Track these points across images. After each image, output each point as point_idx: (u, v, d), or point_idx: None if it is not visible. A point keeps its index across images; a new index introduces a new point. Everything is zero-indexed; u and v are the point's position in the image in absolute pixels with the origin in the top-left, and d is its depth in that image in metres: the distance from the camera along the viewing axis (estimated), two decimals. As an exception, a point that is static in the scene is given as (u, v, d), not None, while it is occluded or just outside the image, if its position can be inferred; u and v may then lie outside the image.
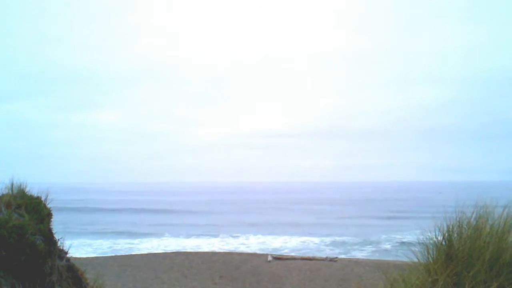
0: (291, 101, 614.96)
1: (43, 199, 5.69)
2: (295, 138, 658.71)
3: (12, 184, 5.66)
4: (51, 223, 5.67)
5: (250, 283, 18.87)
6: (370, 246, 34.69)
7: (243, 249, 32.82)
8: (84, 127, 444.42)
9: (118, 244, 35.91)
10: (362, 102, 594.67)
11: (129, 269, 21.01)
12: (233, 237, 40.10)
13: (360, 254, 30.94)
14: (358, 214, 64.37)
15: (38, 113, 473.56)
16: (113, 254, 28.17)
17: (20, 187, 5.66)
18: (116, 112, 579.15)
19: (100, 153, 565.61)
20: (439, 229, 4.48)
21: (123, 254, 28.30)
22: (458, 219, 4.46)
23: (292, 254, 28.43)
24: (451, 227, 4.44)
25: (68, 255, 5.90)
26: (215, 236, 40.83)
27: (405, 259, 4.89)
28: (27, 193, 5.63)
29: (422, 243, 4.63)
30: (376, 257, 28.49)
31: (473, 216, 4.47)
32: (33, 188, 5.74)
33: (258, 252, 29.39)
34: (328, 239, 37.73)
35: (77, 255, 18.29)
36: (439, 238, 4.47)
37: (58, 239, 5.74)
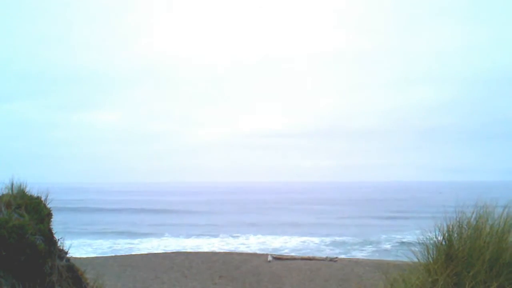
0: (291, 101, 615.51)
1: (43, 199, 5.69)
2: (295, 138, 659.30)
3: (12, 184, 5.66)
4: (51, 223, 5.67)
5: (250, 283, 18.87)
6: (370, 246, 34.69)
7: (243, 249, 32.81)
8: (84, 127, 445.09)
9: (118, 244, 35.92)
10: (362, 102, 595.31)
11: (129, 269, 21.02)
12: (233, 237, 40.10)
13: (360, 254, 30.94)
14: (358, 214, 64.37)
15: (38, 113, 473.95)
16: (113, 254, 28.17)
17: (20, 187, 5.66)
18: (116, 112, 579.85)
19: (100, 153, 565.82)
20: (439, 229, 4.48)
21: (123, 254, 28.30)
22: (458, 219, 4.47)
23: (292, 254, 28.43)
24: (451, 227, 4.44)
25: (68, 255, 5.90)
26: (215, 236, 40.83)
27: (405, 259, 4.89)
28: (27, 193, 5.63)
29: (422, 243, 4.63)
30: (376, 257, 28.48)
31: (473, 216, 4.47)
32: (33, 188, 5.75)
33: (258, 252, 29.39)
34: (328, 239, 37.73)
35: (77, 255, 18.30)
36: (439, 238, 4.47)
37: (58, 239, 5.74)
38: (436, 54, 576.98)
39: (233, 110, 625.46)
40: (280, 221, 55.57)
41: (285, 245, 35.08)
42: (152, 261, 23.12)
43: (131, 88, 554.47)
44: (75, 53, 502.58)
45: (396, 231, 43.12)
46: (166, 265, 22.10)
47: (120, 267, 21.49)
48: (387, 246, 34.65)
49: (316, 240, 37.67)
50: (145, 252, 28.83)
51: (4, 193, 5.54)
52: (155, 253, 27.19)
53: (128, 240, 37.97)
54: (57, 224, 5.85)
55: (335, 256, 26.00)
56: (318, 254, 27.87)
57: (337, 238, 38.37)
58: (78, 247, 30.10)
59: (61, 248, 5.77)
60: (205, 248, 32.44)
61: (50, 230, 5.55)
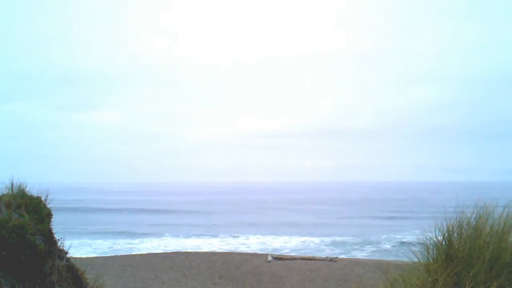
0: (291, 101, 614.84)
1: (43, 199, 5.69)
2: (295, 138, 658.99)
3: (12, 184, 5.66)
4: (51, 223, 5.67)
5: (250, 283, 18.87)
6: (370, 246, 34.69)
7: (243, 249, 32.81)
8: (84, 127, 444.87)
9: (118, 244, 35.92)
10: (362, 102, 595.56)
11: (129, 269, 21.02)
12: (233, 237, 40.10)
13: (360, 254, 30.94)
14: (358, 214, 64.38)
15: (38, 113, 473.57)
16: (113, 254, 28.17)
17: (20, 187, 5.66)
18: (116, 112, 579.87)
19: (100, 153, 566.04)
20: (439, 229, 4.48)
21: (123, 254, 28.30)
22: (458, 219, 4.47)
23: (292, 254, 28.43)
24: (451, 227, 4.44)
25: (68, 255, 5.90)
26: (215, 236, 40.83)
27: (405, 259, 4.89)
28: (27, 193, 5.63)
29: (422, 243, 4.63)
30: (376, 257, 28.49)
31: (473, 216, 4.48)
32: (33, 188, 5.75)
33: (258, 252, 29.39)
34: (328, 239, 37.73)
35: (77, 255, 18.30)
36: (439, 238, 4.47)
37: (58, 239, 5.74)
38: (436, 54, 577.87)
39: (233, 110, 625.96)
40: (280, 221, 55.57)
41: (285, 245, 35.08)
42: (152, 261, 23.12)
43: (131, 88, 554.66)
44: (75, 53, 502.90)
45: (396, 231, 43.12)
46: (166, 265, 22.10)
47: (120, 267, 21.49)
48: (387, 246, 34.65)
49: (316, 240, 37.67)
50: (145, 252, 28.83)
51: (4, 193, 5.54)
52: (155, 253, 27.20)
53: (128, 240, 37.97)
54: (57, 224, 5.85)
55: (335, 256, 26.00)
56: (318, 254, 27.87)
57: (337, 238, 38.37)
58: (78, 247, 30.11)
59: (61, 248, 5.77)
60: (205, 248, 32.45)
61: (50, 230, 5.55)
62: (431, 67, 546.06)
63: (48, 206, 5.71)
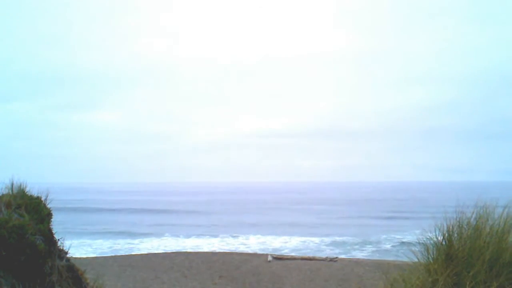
0: (291, 101, 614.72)
1: (43, 199, 5.69)
2: (295, 138, 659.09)
3: (12, 184, 5.66)
4: (51, 223, 5.67)
5: (250, 283, 18.88)
6: (370, 246, 34.69)
7: (243, 249, 32.82)
8: (84, 127, 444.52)
9: (118, 244, 35.91)
10: (362, 102, 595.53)
11: (129, 269, 21.02)
12: (233, 237, 40.10)
13: (360, 254, 30.94)
14: (358, 214, 64.38)
15: (38, 113, 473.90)
16: (113, 254, 28.17)
17: (20, 187, 5.66)
18: (116, 112, 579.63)
19: (100, 153, 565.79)
20: (439, 229, 4.48)
21: (123, 254, 28.30)
22: (458, 219, 4.47)
23: (292, 254, 28.43)
24: (451, 227, 4.44)
25: (68, 255, 5.90)
26: (215, 236, 40.83)
27: (405, 259, 4.89)
28: (27, 193, 5.63)
29: (422, 243, 4.63)
30: (376, 257, 28.49)
31: (473, 216, 4.48)
32: (33, 188, 5.75)
33: (258, 252, 29.39)
34: (328, 239, 37.73)
35: (77, 255, 18.30)
36: (439, 238, 4.47)
37: (58, 239, 5.74)
38: (436, 54, 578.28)
39: (233, 110, 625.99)
40: (280, 221, 55.56)
41: (285, 245, 35.08)
42: (152, 261, 23.12)
43: (131, 88, 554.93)
44: (75, 53, 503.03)
45: (396, 231, 43.13)
46: (166, 265, 22.10)
47: (120, 267, 21.49)
48: (387, 246, 34.66)
49: (316, 240, 37.67)
50: (145, 252, 28.84)
51: (4, 193, 5.54)
52: (155, 253, 27.20)
53: (128, 240, 37.97)
54: (57, 224, 5.85)
55: (335, 256, 26.00)
56: (318, 254, 27.87)
57: (337, 238, 38.38)
58: (78, 247, 30.12)
59: (61, 248, 5.77)
60: (205, 248, 32.45)
61: (50, 230, 5.55)
62: (431, 67, 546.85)
63: (48, 206, 5.71)
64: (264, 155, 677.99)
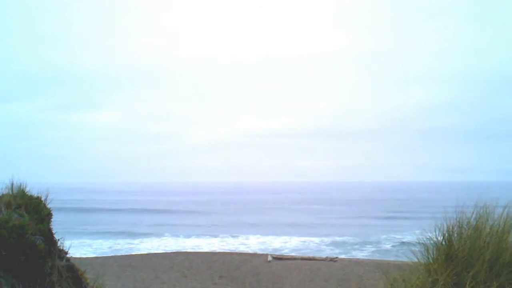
0: (291, 101, 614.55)
1: (43, 199, 5.69)
2: (295, 138, 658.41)
3: (12, 184, 5.66)
4: (51, 223, 5.67)
5: (250, 283, 18.88)
6: (370, 246, 34.70)
7: (243, 249, 32.82)
8: (84, 127, 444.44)
9: (118, 244, 35.92)
10: (362, 102, 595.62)
11: (129, 269, 21.02)
12: (233, 237, 40.11)
13: (360, 254, 30.95)
14: (358, 214, 64.40)
15: (38, 113, 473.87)
16: (113, 254, 28.18)
17: (20, 187, 5.66)
18: (116, 112, 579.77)
19: (100, 153, 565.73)
20: (439, 229, 4.48)
21: (123, 254, 28.31)
22: (458, 219, 4.47)
23: (292, 254, 28.44)
24: (451, 227, 4.44)
25: (68, 255, 5.89)
26: (215, 236, 40.84)
27: (405, 259, 4.89)
28: (27, 193, 5.63)
29: (422, 243, 4.63)
30: (376, 257, 28.50)
31: (473, 216, 4.48)
32: (33, 188, 5.74)
33: (258, 252, 29.40)
34: (328, 239, 37.74)
35: (77, 255, 18.32)
36: (439, 238, 4.47)
37: (58, 239, 5.74)
38: (435, 54, 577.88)
39: (233, 110, 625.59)
40: (280, 221, 55.58)
41: (285, 245, 35.09)
42: (152, 261, 23.13)
43: (131, 88, 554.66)
44: (75, 53, 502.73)
45: (396, 231, 43.13)
46: (166, 265, 22.11)
47: (120, 267, 21.49)
48: (387, 246, 34.66)
49: (316, 240, 37.67)
50: (145, 252, 28.84)
51: (4, 193, 5.54)
52: (155, 253, 27.20)
53: (128, 240, 37.98)
54: (57, 224, 5.85)
55: (335, 256, 26.00)
56: (318, 254, 27.88)
57: (337, 238, 38.39)
58: (78, 247, 30.12)
59: (61, 248, 5.76)
60: (205, 248, 32.46)
61: (50, 230, 5.55)
62: (430, 67, 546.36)
63: (48, 206, 5.71)
64: (264, 155, 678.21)
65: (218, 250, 30.25)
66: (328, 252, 30.66)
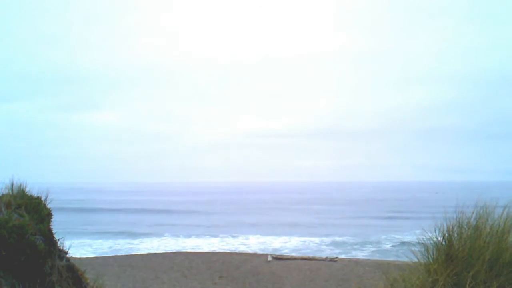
0: (291, 101, 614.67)
1: (43, 199, 5.68)
2: (295, 138, 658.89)
3: (12, 184, 5.65)
4: (51, 223, 5.67)
5: (250, 283, 18.87)
6: (370, 246, 34.70)
7: (243, 249, 32.81)
8: (84, 127, 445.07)
9: (118, 244, 35.92)
10: (362, 102, 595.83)
11: (129, 269, 21.02)
12: (233, 237, 40.11)
13: (360, 254, 30.94)
14: (358, 214, 64.39)
15: (38, 113, 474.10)
16: (113, 254, 28.18)
17: (20, 187, 5.66)
18: (116, 112, 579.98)
19: (100, 153, 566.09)
20: (439, 229, 4.48)
21: (123, 254, 28.31)
22: (458, 219, 4.47)
23: (292, 254, 28.44)
24: (451, 227, 4.44)
25: (68, 255, 5.89)
26: (215, 236, 40.83)
27: (405, 259, 4.89)
28: (27, 193, 5.62)
29: (422, 243, 4.63)
30: (376, 257, 28.50)
31: (473, 216, 4.47)
32: (33, 188, 5.74)
33: (258, 252, 29.40)
34: (328, 239, 37.73)
35: (77, 255, 18.29)
36: (439, 238, 4.47)
37: (58, 239, 5.74)
38: (435, 54, 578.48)
39: (233, 110, 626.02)
40: (280, 221, 55.57)
41: (285, 245, 35.08)
42: (152, 261, 23.13)
43: (131, 88, 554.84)
44: (75, 53, 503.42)
45: (396, 231, 43.13)
46: (166, 265, 22.10)
47: (120, 267, 21.49)
48: (387, 246, 34.66)
49: (316, 240, 37.67)
50: (145, 252, 28.84)
51: (4, 193, 5.53)
52: (155, 253, 27.20)
53: (128, 240, 37.97)
54: (57, 224, 5.84)
55: (335, 256, 26.00)
56: (318, 254, 27.88)
57: (337, 238, 38.39)
58: (78, 247, 30.11)
59: (61, 248, 5.76)
60: (205, 248, 32.45)
61: (50, 230, 5.55)
62: (430, 67, 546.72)
63: (48, 206, 5.71)
64: (264, 155, 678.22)
65: (218, 250, 30.25)
66: (328, 252, 30.65)
